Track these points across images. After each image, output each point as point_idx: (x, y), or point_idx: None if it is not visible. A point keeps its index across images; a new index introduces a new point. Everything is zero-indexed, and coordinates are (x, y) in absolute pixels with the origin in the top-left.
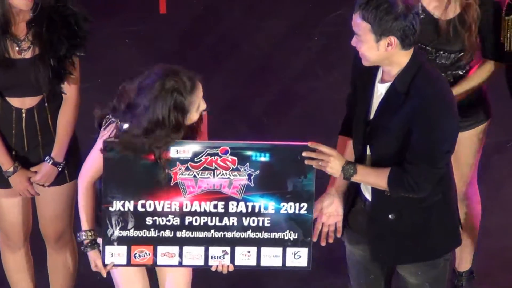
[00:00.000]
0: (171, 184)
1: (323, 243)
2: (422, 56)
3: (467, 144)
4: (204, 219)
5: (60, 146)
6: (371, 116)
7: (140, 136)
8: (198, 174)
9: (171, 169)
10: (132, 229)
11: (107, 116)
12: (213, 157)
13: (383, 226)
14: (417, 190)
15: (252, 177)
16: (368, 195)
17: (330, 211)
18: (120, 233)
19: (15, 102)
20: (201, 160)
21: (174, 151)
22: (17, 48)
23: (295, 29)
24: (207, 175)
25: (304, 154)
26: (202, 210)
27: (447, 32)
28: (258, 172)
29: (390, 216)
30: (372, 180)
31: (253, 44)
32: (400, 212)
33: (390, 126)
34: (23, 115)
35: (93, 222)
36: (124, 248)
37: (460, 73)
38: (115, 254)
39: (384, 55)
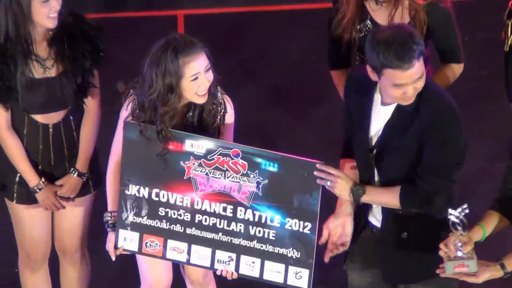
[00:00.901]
0: (185, 178)
1: (326, 260)
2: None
3: None
4: (213, 220)
5: (85, 157)
6: (374, 140)
7: (147, 110)
8: (210, 173)
9: (184, 162)
10: (146, 217)
11: (129, 92)
12: (225, 157)
13: (395, 246)
14: (432, 205)
15: (260, 186)
16: (376, 222)
17: (339, 232)
18: (134, 219)
19: (41, 118)
20: (213, 159)
21: (189, 145)
22: (41, 68)
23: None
24: (218, 175)
25: (315, 173)
26: (212, 211)
27: None
28: (266, 181)
29: (402, 235)
30: (383, 199)
31: (272, 67)
32: (411, 230)
33: (400, 147)
34: (50, 130)
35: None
36: (136, 235)
37: None
38: (128, 239)
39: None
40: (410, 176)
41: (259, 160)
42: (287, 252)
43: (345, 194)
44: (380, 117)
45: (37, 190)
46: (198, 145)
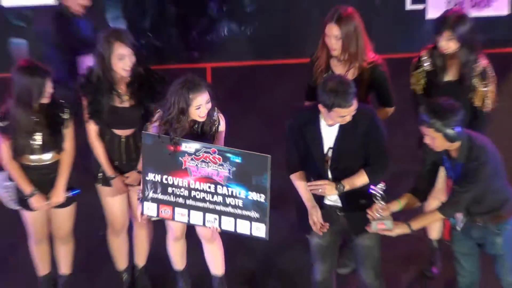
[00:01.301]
0: (183, 168)
1: (323, 230)
2: None
3: None
4: (202, 194)
5: (141, 160)
6: (329, 152)
7: (165, 124)
8: (198, 164)
9: (182, 157)
10: (160, 193)
11: (157, 109)
12: (207, 154)
13: (358, 209)
14: (386, 171)
15: (231, 171)
16: (329, 202)
17: (320, 214)
18: (153, 195)
19: (117, 132)
20: (200, 155)
21: (184, 146)
22: (119, 100)
23: None
24: (204, 165)
25: (308, 186)
26: (201, 188)
27: None
28: (234, 168)
29: (362, 201)
30: (357, 183)
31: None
32: (353, 202)
33: (351, 152)
34: (123, 140)
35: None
36: (155, 205)
37: None
38: (150, 208)
39: (351, 111)
40: (358, 166)
41: (229, 155)
42: (250, 213)
43: (333, 192)
44: (329, 134)
45: (112, 178)
46: (190, 146)
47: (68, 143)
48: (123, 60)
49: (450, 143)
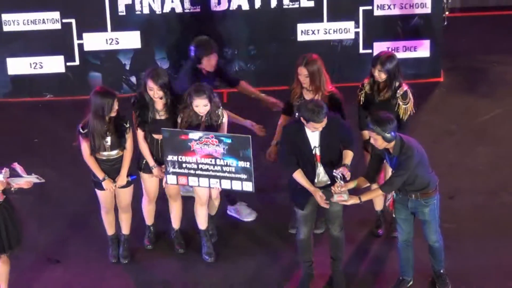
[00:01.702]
0: (191, 150)
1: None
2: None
3: None
4: (206, 166)
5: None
6: (316, 150)
7: (180, 113)
8: (202, 146)
9: (190, 143)
10: (177, 168)
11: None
12: (207, 139)
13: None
14: (354, 145)
15: (225, 149)
16: (323, 176)
17: (321, 193)
18: (173, 170)
19: (156, 136)
20: (202, 140)
21: (191, 135)
22: (158, 114)
23: None
24: (206, 147)
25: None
26: (205, 162)
27: None
28: (227, 147)
29: (336, 176)
30: (350, 160)
31: None
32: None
33: (330, 146)
34: (159, 141)
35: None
36: (175, 177)
37: None
38: (171, 179)
39: (324, 123)
40: (338, 157)
41: (222, 138)
42: (240, 176)
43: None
44: (313, 138)
45: (153, 168)
46: (195, 135)
47: (129, 144)
48: (151, 91)
49: (387, 143)
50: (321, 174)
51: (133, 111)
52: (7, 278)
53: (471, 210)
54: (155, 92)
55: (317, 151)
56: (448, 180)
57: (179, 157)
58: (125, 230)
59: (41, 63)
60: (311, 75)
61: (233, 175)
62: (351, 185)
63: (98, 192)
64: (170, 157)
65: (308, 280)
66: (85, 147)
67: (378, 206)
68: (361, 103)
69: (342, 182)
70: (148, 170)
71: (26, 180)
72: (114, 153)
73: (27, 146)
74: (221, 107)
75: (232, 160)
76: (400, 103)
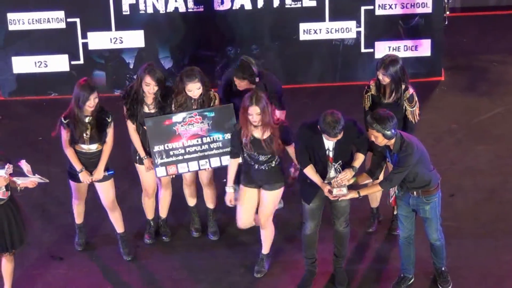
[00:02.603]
0: (176, 134)
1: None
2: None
3: None
4: (194, 148)
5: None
6: (330, 153)
7: (173, 98)
8: (187, 128)
9: (174, 127)
10: (165, 158)
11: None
12: (191, 118)
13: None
14: (366, 153)
15: (209, 124)
16: (332, 173)
17: (329, 187)
18: (161, 161)
19: (146, 128)
20: (186, 120)
21: (174, 118)
22: (147, 108)
23: None
24: (190, 127)
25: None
26: (192, 144)
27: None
28: (211, 121)
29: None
30: (359, 163)
31: None
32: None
33: (344, 150)
34: None
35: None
36: (163, 168)
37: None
38: (160, 171)
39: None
40: (350, 159)
41: (205, 113)
42: (228, 149)
43: (351, 175)
44: (328, 143)
45: (144, 159)
46: (178, 117)
47: (109, 138)
48: (148, 87)
49: (387, 140)
50: (331, 173)
51: (123, 105)
52: (11, 276)
53: (472, 209)
54: (151, 88)
55: (330, 153)
56: (448, 178)
57: (166, 145)
58: (119, 228)
59: (46, 62)
60: (263, 112)
61: (221, 150)
62: (351, 180)
63: (72, 183)
64: (156, 148)
65: (311, 277)
66: (64, 137)
67: (374, 203)
68: (368, 105)
69: (340, 175)
70: (141, 161)
71: (30, 180)
72: (94, 147)
73: (31, 144)
74: (212, 90)
75: (218, 135)
76: (407, 106)
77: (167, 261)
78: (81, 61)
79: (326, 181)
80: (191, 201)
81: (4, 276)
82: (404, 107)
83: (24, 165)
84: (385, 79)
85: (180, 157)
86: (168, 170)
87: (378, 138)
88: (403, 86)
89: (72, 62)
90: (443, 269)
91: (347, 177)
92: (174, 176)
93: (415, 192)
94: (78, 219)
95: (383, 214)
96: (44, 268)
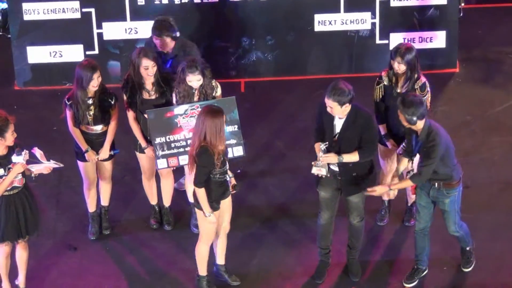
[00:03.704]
0: (178, 126)
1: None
2: (354, 102)
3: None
4: None
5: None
6: (337, 135)
7: (176, 87)
8: (188, 120)
9: (176, 119)
10: (166, 150)
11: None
12: (193, 110)
13: (350, 179)
14: (371, 156)
15: None
16: (333, 167)
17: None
18: (162, 153)
19: (147, 115)
20: (188, 113)
21: (176, 111)
22: (148, 94)
23: None
24: (192, 119)
25: (321, 159)
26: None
27: None
28: None
29: (353, 174)
30: (351, 158)
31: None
32: (357, 172)
33: (349, 138)
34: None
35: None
36: (165, 160)
37: None
38: (161, 163)
39: (345, 110)
40: (354, 149)
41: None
42: (230, 142)
43: (335, 161)
44: (339, 123)
45: (146, 147)
46: (180, 109)
47: (113, 119)
48: (147, 70)
49: (411, 125)
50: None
51: (123, 93)
52: (26, 264)
53: (487, 200)
54: (150, 69)
55: (336, 129)
56: (463, 170)
57: (167, 137)
58: (105, 201)
59: (61, 52)
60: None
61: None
62: (333, 159)
63: (80, 163)
64: (158, 140)
65: (324, 268)
66: (69, 118)
67: (386, 196)
68: (380, 96)
69: (322, 155)
70: (143, 151)
71: (45, 166)
72: (99, 128)
73: (46, 134)
74: (214, 80)
75: None
76: (419, 95)
77: (180, 252)
78: (96, 51)
79: (332, 167)
80: (189, 197)
81: (19, 264)
82: None
83: (37, 151)
84: (401, 68)
85: (182, 149)
86: (169, 162)
87: (402, 120)
88: (415, 75)
89: (87, 52)
90: (467, 248)
91: (329, 159)
92: (175, 168)
93: (436, 184)
94: (91, 207)
95: (396, 206)
96: (58, 257)
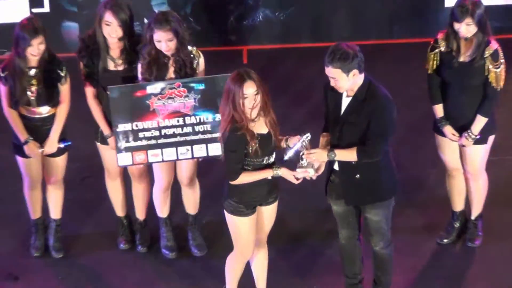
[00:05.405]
0: (150, 110)
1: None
2: (369, 76)
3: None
4: (172, 130)
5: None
6: (342, 107)
7: (144, 58)
8: (165, 102)
9: (148, 100)
10: (132, 141)
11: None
12: (172, 90)
13: (352, 182)
14: (375, 156)
15: (196, 100)
16: (335, 166)
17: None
18: (126, 145)
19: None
20: (165, 93)
21: (149, 89)
22: (113, 64)
23: None
24: (170, 101)
25: (304, 156)
26: (171, 124)
27: None
28: (199, 96)
29: (356, 176)
30: (347, 157)
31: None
32: (361, 173)
33: (356, 123)
34: None
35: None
36: (129, 154)
37: None
38: (124, 158)
39: (352, 80)
40: (359, 142)
41: (192, 84)
42: (219, 134)
43: (324, 158)
44: (346, 102)
45: (109, 137)
46: (155, 87)
47: (64, 98)
48: (109, 27)
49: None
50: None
51: (79, 61)
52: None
53: None
54: (112, 30)
55: (342, 105)
56: None
57: (134, 124)
58: (55, 213)
59: None
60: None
61: (208, 136)
62: (321, 156)
63: (20, 160)
64: (121, 127)
65: None
66: (3, 95)
67: (458, 206)
68: (434, 65)
69: (306, 151)
70: (103, 140)
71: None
72: (44, 110)
73: None
74: (194, 46)
75: (207, 114)
76: (490, 66)
77: (159, 283)
78: (46, 9)
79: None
80: (163, 210)
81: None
82: (484, 68)
83: None
84: (469, 30)
85: (153, 141)
86: (134, 157)
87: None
88: (485, 39)
89: (34, 10)
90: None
91: (316, 155)
92: (142, 166)
93: None
94: (35, 212)
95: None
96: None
